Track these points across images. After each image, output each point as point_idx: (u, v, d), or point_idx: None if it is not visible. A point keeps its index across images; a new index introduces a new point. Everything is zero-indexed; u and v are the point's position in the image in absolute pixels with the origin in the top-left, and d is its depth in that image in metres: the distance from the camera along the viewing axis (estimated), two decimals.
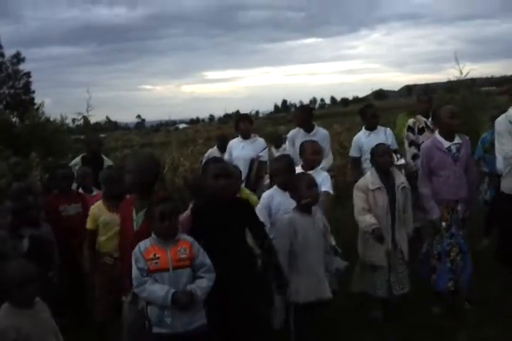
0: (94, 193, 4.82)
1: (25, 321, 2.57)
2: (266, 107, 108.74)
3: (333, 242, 3.91)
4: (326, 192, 4.06)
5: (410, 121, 5.80)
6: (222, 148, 6.64)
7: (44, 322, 2.68)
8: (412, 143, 5.68)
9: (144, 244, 2.88)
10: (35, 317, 2.64)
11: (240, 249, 3.12)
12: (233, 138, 6.41)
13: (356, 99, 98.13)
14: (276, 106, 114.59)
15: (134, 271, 2.85)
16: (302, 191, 3.32)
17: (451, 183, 4.11)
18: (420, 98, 5.93)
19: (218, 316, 2.95)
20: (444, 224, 4.08)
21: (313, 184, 3.38)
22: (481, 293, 4.24)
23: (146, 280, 2.82)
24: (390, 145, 5.37)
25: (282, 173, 3.73)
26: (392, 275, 4.00)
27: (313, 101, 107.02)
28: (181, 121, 75.77)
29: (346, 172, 9.81)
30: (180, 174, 10.81)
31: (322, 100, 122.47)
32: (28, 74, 50.68)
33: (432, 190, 4.15)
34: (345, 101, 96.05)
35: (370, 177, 4.07)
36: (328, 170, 4.97)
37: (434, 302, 4.20)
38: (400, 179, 4.08)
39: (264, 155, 6.16)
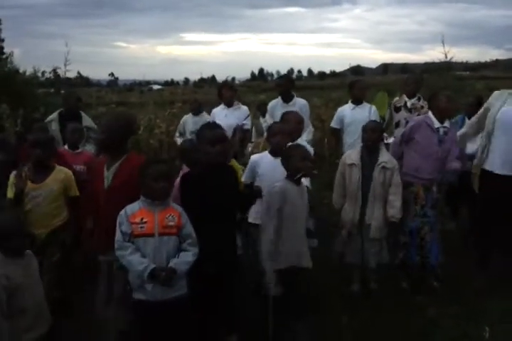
0: (79, 150, 4.74)
1: (16, 271, 2.65)
2: (242, 74, 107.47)
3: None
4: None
5: (394, 100, 5.87)
6: (196, 113, 6.76)
7: (35, 274, 2.75)
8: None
9: (131, 208, 2.84)
10: (26, 268, 2.72)
11: (229, 216, 3.16)
12: (214, 105, 6.38)
13: (333, 74, 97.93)
14: (253, 74, 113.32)
15: (117, 234, 2.81)
16: (296, 163, 3.32)
17: (431, 163, 4.21)
18: (408, 79, 5.92)
19: (198, 283, 2.96)
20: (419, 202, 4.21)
21: (306, 156, 3.38)
22: (449, 272, 4.38)
23: (127, 246, 2.78)
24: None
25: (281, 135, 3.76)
26: (365, 246, 4.12)
27: (291, 71, 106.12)
28: (155, 82, 74.03)
29: (323, 145, 9.87)
30: (155, 136, 10.68)
31: (299, 72, 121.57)
32: None
33: (412, 166, 4.26)
34: (322, 74, 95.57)
35: (351, 152, 4.21)
36: (308, 143, 4.97)
37: (402, 277, 4.34)
38: (383, 158, 4.11)
39: (248, 123, 6.17)
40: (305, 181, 3.63)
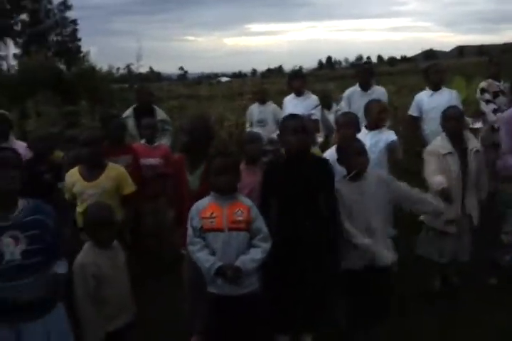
0: (156, 144, 4.80)
1: (104, 261, 2.71)
2: (310, 63, 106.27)
3: None
4: (394, 142, 4.00)
5: (483, 84, 5.57)
6: (262, 102, 6.65)
7: (119, 266, 2.79)
8: (488, 102, 5.44)
9: (202, 203, 2.85)
10: (113, 259, 2.77)
11: (311, 208, 3.05)
12: (282, 95, 6.31)
13: (404, 59, 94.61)
14: (320, 63, 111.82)
15: (188, 229, 2.84)
16: (350, 160, 3.16)
17: None
18: (493, 60, 5.59)
19: (275, 279, 2.93)
20: None
21: (361, 152, 3.19)
22: None
23: (196, 242, 2.79)
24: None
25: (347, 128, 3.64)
26: (458, 242, 3.89)
27: (359, 58, 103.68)
28: (223, 74, 75.06)
29: (397, 135, 9.50)
30: (225, 128, 10.77)
31: (368, 58, 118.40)
32: (74, 22, 50.92)
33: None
34: (392, 60, 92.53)
35: (440, 142, 3.89)
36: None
37: (492, 273, 4.09)
38: (473, 143, 3.88)
39: (316, 113, 6.01)
40: (382, 171, 3.47)
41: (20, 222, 2.27)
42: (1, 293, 2.23)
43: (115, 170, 3.69)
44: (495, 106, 5.33)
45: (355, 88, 5.59)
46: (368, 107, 4.19)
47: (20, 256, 2.25)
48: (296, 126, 3.07)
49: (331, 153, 3.70)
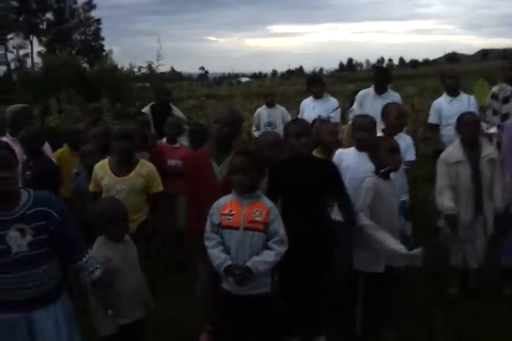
0: (177, 145, 4.78)
1: (116, 255, 2.74)
2: (330, 65, 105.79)
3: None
4: (412, 163, 3.97)
5: (495, 88, 5.47)
6: (271, 105, 6.78)
7: (132, 260, 2.82)
8: (495, 113, 5.33)
9: (224, 199, 2.86)
10: (125, 253, 2.80)
11: (316, 209, 3.09)
12: (301, 96, 6.33)
13: (426, 62, 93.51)
14: (341, 64, 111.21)
15: (207, 224, 2.86)
16: (383, 157, 3.15)
17: None
18: (504, 65, 5.52)
19: (285, 279, 2.94)
20: None
21: (395, 149, 3.20)
22: None
23: (213, 238, 2.81)
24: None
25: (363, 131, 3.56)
26: (469, 246, 3.84)
27: (381, 61, 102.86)
28: (243, 75, 75.18)
29: (416, 137, 9.40)
30: (243, 128, 10.79)
31: (390, 60, 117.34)
32: (98, 21, 51.57)
33: None
34: (414, 62, 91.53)
35: (451, 150, 3.84)
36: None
37: (507, 281, 3.99)
38: (488, 150, 3.81)
39: (335, 116, 5.99)
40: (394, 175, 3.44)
41: (24, 214, 2.31)
42: (11, 284, 2.29)
43: (146, 168, 3.59)
44: (498, 122, 5.21)
45: (370, 90, 5.47)
46: (386, 111, 3.99)
47: (28, 248, 2.29)
48: (299, 129, 3.11)
49: (348, 151, 3.65)
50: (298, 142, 3.08)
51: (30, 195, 2.37)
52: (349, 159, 3.55)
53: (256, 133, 6.89)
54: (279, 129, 6.45)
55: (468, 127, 3.78)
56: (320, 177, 3.07)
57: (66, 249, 2.45)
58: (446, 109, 5.33)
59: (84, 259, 2.46)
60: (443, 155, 3.90)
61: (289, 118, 6.75)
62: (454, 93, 5.37)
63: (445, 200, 3.68)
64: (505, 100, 5.28)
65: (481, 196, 3.77)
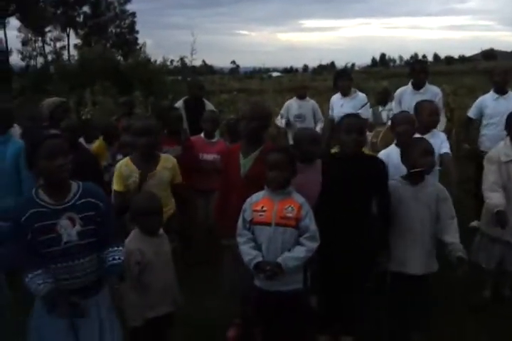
0: (214, 140, 4.74)
1: (149, 248, 2.78)
2: (363, 60, 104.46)
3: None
4: (448, 154, 3.81)
5: None
6: (302, 97, 6.65)
7: (164, 255, 2.86)
8: None
9: (257, 196, 2.87)
10: (158, 247, 2.83)
11: (360, 208, 3.02)
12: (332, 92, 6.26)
13: (462, 58, 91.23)
14: (373, 60, 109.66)
15: (239, 220, 2.87)
16: (416, 158, 3.02)
17: None
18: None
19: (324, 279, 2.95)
20: None
21: (429, 151, 3.07)
22: None
23: (244, 234, 2.83)
24: None
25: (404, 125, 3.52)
26: (508, 251, 3.73)
27: (415, 56, 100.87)
28: (275, 69, 74.92)
29: (451, 137, 9.22)
30: (273, 123, 10.77)
31: (424, 56, 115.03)
32: (133, 15, 52.23)
33: None
34: (449, 59, 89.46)
35: (503, 148, 3.69)
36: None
37: None
38: None
39: (364, 113, 5.88)
40: (430, 184, 3.25)
41: (74, 204, 2.35)
42: (61, 274, 2.34)
43: (170, 161, 3.62)
44: None
45: (408, 87, 5.38)
46: (419, 108, 3.94)
47: (77, 237, 2.34)
48: (351, 125, 3.01)
49: (389, 151, 3.60)
50: (348, 138, 2.99)
51: (80, 186, 2.41)
52: (393, 159, 3.44)
53: (279, 122, 6.82)
54: (309, 121, 6.45)
55: None
56: (368, 173, 2.99)
57: (103, 240, 2.47)
58: (491, 106, 5.16)
59: (115, 248, 2.47)
60: (494, 152, 3.76)
61: (319, 112, 6.72)
62: (502, 90, 5.18)
63: (496, 197, 3.51)
64: None
65: None
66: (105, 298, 2.51)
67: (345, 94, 6.01)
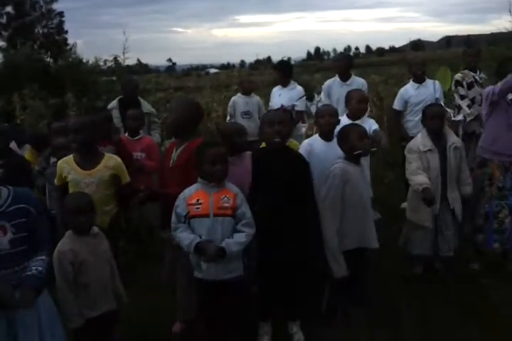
0: (137, 137, 4.77)
1: (83, 248, 2.76)
2: (298, 54, 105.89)
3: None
4: (377, 130, 4.15)
5: (458, 75, 5.64)
6: (247, 93, 6.45)
7: (101, 253, 2.84)
8: (462, 97, 5.54)
9: (189, 190, 2.91)
10: (93, 246, 2.81)
11: (295, 197, 3.10)
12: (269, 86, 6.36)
13: (392, 49, 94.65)
14: (309, 53, 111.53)
15: (173, 216, 2.90)
16: (354, 142, 3.27)
17: (506, 138, 3.97)
18: (468, 51, 5.70)
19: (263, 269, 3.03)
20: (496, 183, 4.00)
21: (364, 135, 3.33)
22: None
23: (180, 226, 2.86)
24: (437, 98, 5.28)
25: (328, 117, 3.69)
26: (439, 236, 3.97)
27: (348, 49, 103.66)
28: (212, 66, 74.68)
29: (382, 124, 9.60)
30: (212, 119, 10.82)
31: (357, 49, 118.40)
32: (61, 14, 50.29)
33: (488, 139, 4.09)
34: (380, 50, 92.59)
35: (421, 139, 3.97)
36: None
37: (474, 259, 4.18)
38: (452, 138, 3.96)
39: (300, 104, 6.02)
40: (364, 161, 3.58)
41: (5, 211, 2.30)
42: None
43: (113, 160, 3.62)
44: (469, 102, 5.45)
45: (335, 79, 5.69)
46: (348, 96, 4.29)
47: (9, 245, 2.29)
48: (271, 117, 3.17)
49: (314, 140, 3.77)
50: (270, 130, 3.11)
51: (10, 191, 2.35)
52: (317, 148, 3.65)
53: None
54: (255, 118, 6.26)
55: (433, 120, 3.91)
56: (293, 167, 3.13)
57: (35, 247, 2.42)
58: (415, 95, 5.50)
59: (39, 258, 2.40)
60: (413, 143, 4.01)
61: (263, 108, 6.59)
62: (420, 80, 5.53)
63: (420, 177, 3.75)
64: (470, 86, 5.48)
65: (448, 184, 3.89)
66: (45, 304, 2.48)
67: (284, 84, 6.08)
